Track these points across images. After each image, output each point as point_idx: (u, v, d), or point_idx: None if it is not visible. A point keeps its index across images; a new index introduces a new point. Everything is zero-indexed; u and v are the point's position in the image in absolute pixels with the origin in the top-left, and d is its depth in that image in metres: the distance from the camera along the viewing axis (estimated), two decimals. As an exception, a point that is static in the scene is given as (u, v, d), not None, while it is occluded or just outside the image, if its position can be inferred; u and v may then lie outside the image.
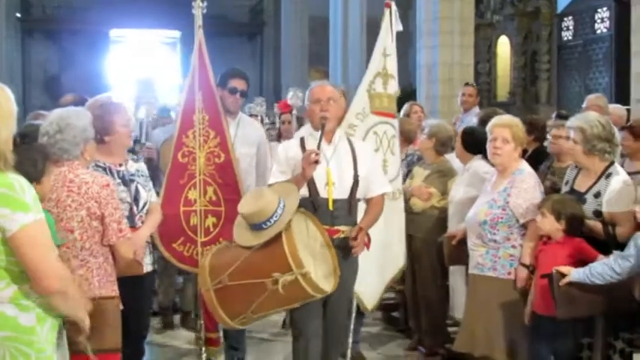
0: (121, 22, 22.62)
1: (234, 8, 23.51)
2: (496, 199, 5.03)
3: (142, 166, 4.90)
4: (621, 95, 11.37)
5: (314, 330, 4.72)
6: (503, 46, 17.29)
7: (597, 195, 4.83)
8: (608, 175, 4.85)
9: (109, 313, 3.84)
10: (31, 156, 3.55)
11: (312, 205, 4.64)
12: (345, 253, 4.65)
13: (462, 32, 14.13)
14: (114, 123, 4.58)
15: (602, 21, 13.83)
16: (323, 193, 4.68)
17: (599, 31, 13.98)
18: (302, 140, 4.90)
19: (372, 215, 4.86)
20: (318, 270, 4.33)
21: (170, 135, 5.85)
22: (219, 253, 4.51)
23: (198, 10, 5.49)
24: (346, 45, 18.45)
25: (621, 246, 4.73)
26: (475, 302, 5.15)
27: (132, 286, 4.41)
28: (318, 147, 4.59)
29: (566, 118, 8.63)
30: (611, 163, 4.91)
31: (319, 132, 4.70)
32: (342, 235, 4.68)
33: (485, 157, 5.53)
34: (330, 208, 4.66)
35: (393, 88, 5.83)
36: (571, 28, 14.97)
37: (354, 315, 5.51)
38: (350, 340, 5.49)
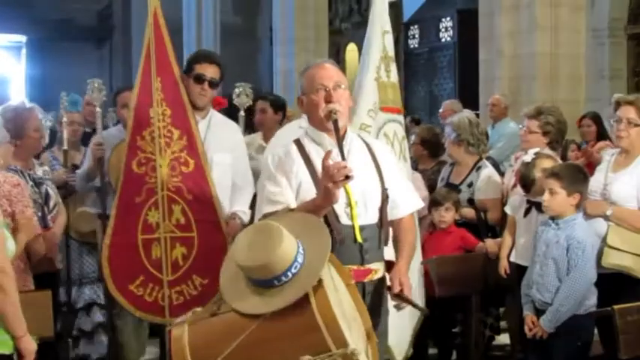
0: (-37, 26, 21.82)
1: (81, 12, 23.02)
2: None
3: (47, 169, 5.14)
4: (465, 100, 12.17)
5: None
6: (352, 52, 17.91)
7: (470, 185, 5.48)
8: (479, 168, 5.52)
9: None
10: None
11: (332, 237, 3.05)
12: (379, 301, 3.38)
13: (317, 39, 14.70)
14: (26, 127, 4.77)
15: (447, 30, 14.65)
16: (344, 218, 3.29)
17: (443, 40, 14.78)
18: (299, 145, 3.41)
19: (409, 248, 3.47)
20: (355, 339, 2.84)
21: (120, 139, 4.72)
22: (203, 323, 2.89)
23: None
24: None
25: (491, 229, 5.39)
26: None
27: (47, 281, 4.64)
28: (342, 155, 3.13)
29: (418, 122, 9.46)
30: (480, 158, 5.57)
31: (325, 133, 3.35)
32: (376, 277, 3.36)
33: None
34: (358, 239, 3.27)
35: (395, 74, 4.70)
36: (417, 36, 15.70)
37: None
38: None
